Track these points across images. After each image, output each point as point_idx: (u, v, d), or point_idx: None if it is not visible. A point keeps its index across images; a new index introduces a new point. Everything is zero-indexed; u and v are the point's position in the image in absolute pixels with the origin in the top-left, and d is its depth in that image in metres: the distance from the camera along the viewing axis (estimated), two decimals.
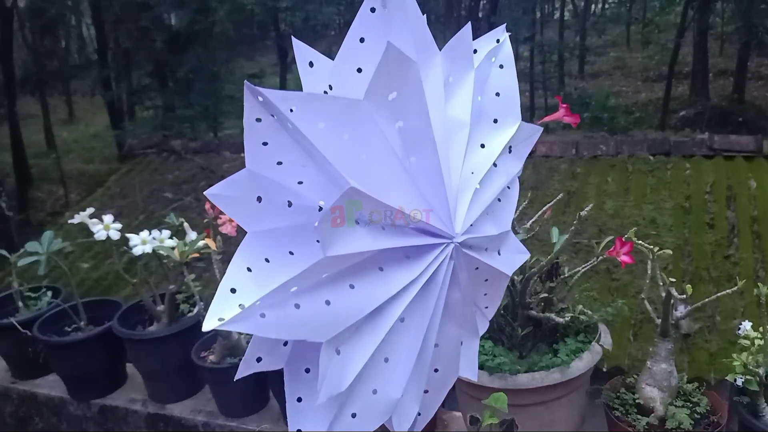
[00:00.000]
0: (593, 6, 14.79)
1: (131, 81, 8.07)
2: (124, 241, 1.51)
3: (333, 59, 0.63)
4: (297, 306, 0.56)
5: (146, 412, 1.64)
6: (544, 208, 1.26)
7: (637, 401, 1.22)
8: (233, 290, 0.56)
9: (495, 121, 0.68)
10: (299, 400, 0.63)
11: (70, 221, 1.57)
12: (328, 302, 0.57)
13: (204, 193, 0.59)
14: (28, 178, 8.19)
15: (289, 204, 0.59)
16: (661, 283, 1.17)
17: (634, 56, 12.39)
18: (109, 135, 9.00)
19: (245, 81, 0.55)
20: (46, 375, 1.82)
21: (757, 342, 1.13)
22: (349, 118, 0.56)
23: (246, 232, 0.60)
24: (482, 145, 0.66)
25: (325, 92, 0.62)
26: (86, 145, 10.51)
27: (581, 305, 1.27)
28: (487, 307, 0.72)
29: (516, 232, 0.72)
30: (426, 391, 0.67)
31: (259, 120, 0.56)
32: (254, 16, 7.56)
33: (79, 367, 1.68)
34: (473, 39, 0.67)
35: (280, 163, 0.58)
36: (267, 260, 0.58)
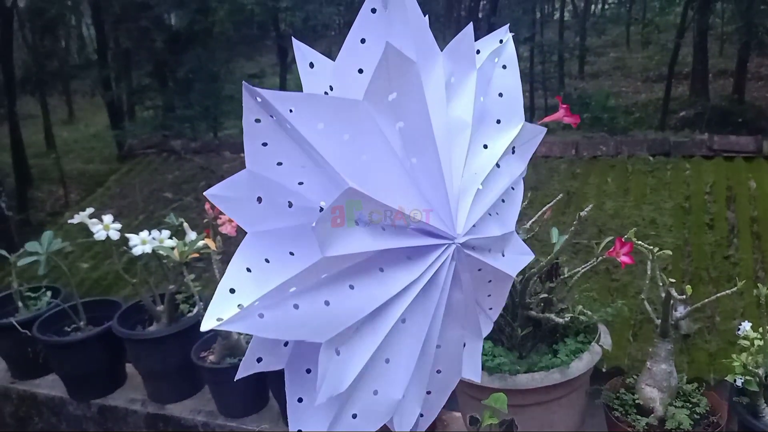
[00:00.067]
0: (593, 6, 14.78)
1: (131, 81, 8.06)
2: (124, 241, 1.51)
3: (333, 60, 0.63)
4: (296, 306, 0.56)
5: (146, 412, 1.64)
6: (544, 209, 1.26)
7: (636, 402, 1.22)
8: (232, 290, 0.56)
9: (498, 121, 0.68)
10: (300, 400, 0.63)
11: (69, 221, 1.57)
12: (327, 303, 0.57)
13: (204, 193, 0.59)
14: (28, 178, 8.19)
15: (290, 205, 0.59)
16: (661, 284, 1.17)
17: (633, 56, 12.39)
18: (109, 135, 8.99)
19: (243, 82, 0.55)
20: (45, 375, 1.82)
21: (756, 342, 1.13)
22: (349, 119, 0.56)
23: (246, 233, 0.60)
24: (485, 146, 0.66)
25: (326, 93, 0.62)
26: (86, 145, 10.50)
27: (581, 306, 1.27)
28: (491, 309, 0.71)
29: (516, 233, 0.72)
30: (428, 392, 0.67)
31: (258, 121, 0.56)
32: (254, 16, 7.56)
33: (79, 367, 1.68)
34: (474, 40, 0.67)
35: (280, 163, 0.58)
36: (267, 261, 0.58)
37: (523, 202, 0.72)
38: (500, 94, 0.68)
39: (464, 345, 0.68)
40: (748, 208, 2.43)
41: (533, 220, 1.25)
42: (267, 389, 1.57)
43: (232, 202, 0.59)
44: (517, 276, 1.21)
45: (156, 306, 1.61)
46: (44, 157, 9.18)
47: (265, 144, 0.57)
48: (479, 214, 0.63)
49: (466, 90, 0.65)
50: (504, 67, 0.69)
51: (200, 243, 1.49)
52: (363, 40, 0.60)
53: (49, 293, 1.84)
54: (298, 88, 0.64)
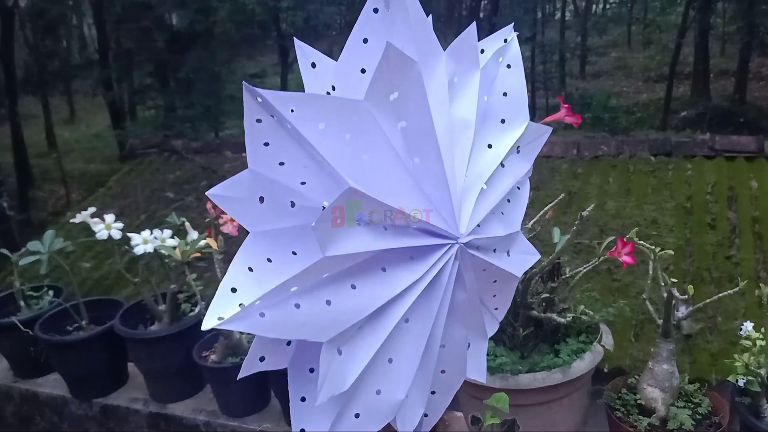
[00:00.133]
0: (594, 6, 14.76)
1: (132, 81, 8.06)
2: (126, 240, 1.51)
3: (334, 59, 0.63)
4: (297, 306, 0.56)
5: (147, 411, 1.65)
6: (546, 209, 1.26)
7: (638, 402, 1.22)
8: (234, 290, 0.56)
9: (502, 121, 0.67)
10: (303, 399, 0.63)
11: (71, 221, 1.57)
12: (328, 302, 0.57)
13: (206, 193, 0.59)
14: (29, 178, 8.19)
15: (292, 204, 0.59)
16: (663, 284, 1.17)
17: (635, 56, 12.38)
18: (110, 135, 9.00)
19: (243, 82, 0.55)
20: (47, 374, 1.82)
21: (758, 343, 1.13)
22: (350, 119, 0.56)
23: (248, 232, 0.60)
24: (489, 146, 0.66)
25: (328, 93, 0.62)
26: (87, 145, 10.51)
27: (583, 305, 1.27)
28: (497, 309, 0.71)
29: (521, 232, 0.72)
30: (433, 393, 0.67)
31: (259, 121, 0.56)
32: (255, 15, 7.55)
33: (81, 367, 1.68)
34: (477, 40, 0.67)
35: (282, 163, 0.58)
36: (269, 260, 0.58)
37: None
38: (505, 94, 0.68)
39: (469, 345, 0.68)
40: (750, 208, 2.42)
41: (535, 220, 1.25)
42: (269, 389, 1.57)
43: (234, 202, 0.59)
44: None
45: (158, 305, 1.61)
46: (46, 156, 9.19)
47: (266, 144, 0.57)
48: (483, 214, 0.62)
49: (469, 89, 0.65)
50: (508, 66, 0.69)
51: (202, 242, 1.50)
52: (365, 40, 0.60)
53: (50, 292, 1.84)
54: (300, 87, 0.63)
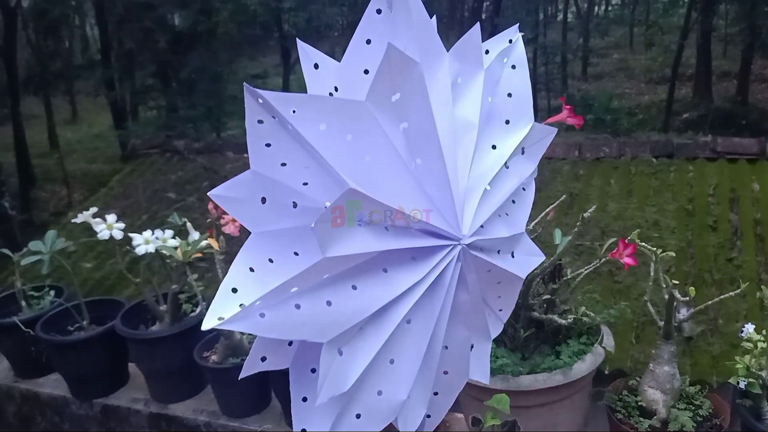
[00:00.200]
0: (596, 8, 14.78)
1: (134, 81, 8.08)
2: (127, 240, 1.51)
3: (337, 60, 0.63)
4: (297, 306, 0.56)
5: (148, 411, 1.65)
6: (547, 210, 1.26)
7: (639, 403, 1.21)
8: (234, 290, 0.56)
9: (507, 122, 0.67)
10: (304, 399, 0.63)
11: (73, 221, 1.57)
12: (329, 303, 0.57)
13: (208, 194, 0.59)
14: (31, 178, 8.21)
15: (294, 205, 0.59)
16: (664, 286, 1.17)
17: (637, 58, 12.38)
18: (112, 135, 9.02)
19: (245, 83, 0.55)
20: (48, 374, 1.82)
21: (760, 345, 1.13)
22: (352, 120, 0.56)
23: (249, 233, 0.60)
24: (493, 146, 0.66)
25: (331, 94, 0.62)
26: (89, 145, 10.52)
27: (584, 307, 1.27)
28: (501, 310, 0.71)
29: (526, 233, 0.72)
30: (435, 393, 0.67)
31: (260, 122, 0.56)
32: (257, 16, 7.56)
33: (82, 367, 1.68)
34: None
35: (284, 164, 0.58)
36: (271, 261, 0.58)
37: None
38: (509, 94, 0.68)
39: (472, 346, 0.68)
40: (752, 211, 2.42)
41: (536, 221, 1.25)
42: (269, 389, 1.57)
43: (235, 202, 0.59)
44: None
45: (159, 306, 1.61)
46: (47, 157, 9.20)
47: (268, 145, 0.57)
48: (487, 215, 0.62)
49: (473, 90, 0.65)
50: (513, 67, 0.68)
51: (203, 243, 1.50)
52: (368, 41, 0.60)
53: (52, 292, 1.84)
54: (301, 88, 0.64)
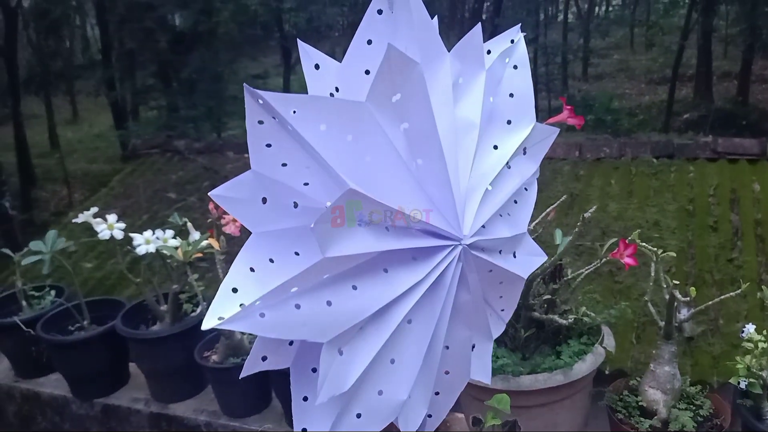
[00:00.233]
0: (597, 8, 14.77)
1: (135, 81, 8.08)
2: (128, 240, 1.51)
3: (337, 61, 0.63)
4: (297, 306, 0.56)
5: (149, 411, 1.65)
6: (548, 210, 1.26)
7: (640, 404, 1.21)
8: (234, 290, 0.56)
9: (509, 122, 0.67)
10: (305, 399, 0.63)
11: (74, 221, 1.57)
12: (329, 303, 0.57)
13: (209, 194, 0.60)
14: (31, 177, 8.21)
15: (295, 205, 0.59)
16: (665, 286, 1.17)
17: (637, 58, 12.38)
18: (112, 135, 9.02)
19: (245, 84, 0.55)
20: (49, 374, 1.82)
21: (760, 345, 1.13)
22: (352, 120, 0.56)
23: (250, 233, 0.60)
24: (495, 147, 0.66)
25: (332, 94, 0.62)
26: (90, 145, 10.53)
27: (584, 307, 1.27)
28: (503, 310, 0.71)
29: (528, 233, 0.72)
30: (437, 393, 0.67)
31: (261, 122, 0.56)
32: (258, 17, 7.57)
33: (82, 367, 1.68)
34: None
35: (284, 164, 0.58)
36: (271, 260, 0.58)
37: None
38: (511, 95, 0.68)
39: (473, 346, 0.68)
40: (752, 211, 2.42)
41: (537, 221, 1.25)
42: (270, 389, 1.57)
43: (236, 202, 0.59)
44: None
45: (159, 305, 1.61)
46: (48, 157, 9.21)
47: (269, 145, 0.57)
48: (488, 215, 0.62)
49: (474, 90, 0.65)
50: (515, 67, 0.68)
51: (204, 243, 1.50)
52: (369, 42, 0.60)
53: (52, 292, 1.84)
54: (302, 88, 0.64)
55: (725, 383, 1.57)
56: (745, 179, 2.60)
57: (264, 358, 0.63)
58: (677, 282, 1.16)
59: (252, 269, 0.57)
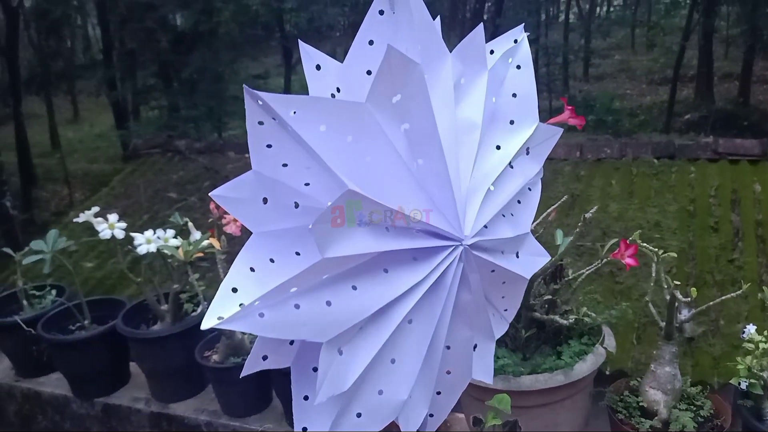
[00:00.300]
0: (598, 9, 14.77)
1: (136, 81, 8.09)
2: (129, 240, 1.52)
3: (338, 60, 0.63)
4: (297, 306, 0.56)
5: (149, 411, 1.65)
6: (549, 210, 1.26)
7: (640, 404, 1.21)
8: (234, 290, 0.56)
9: (511, 122, 0.67)
10: (306, 398, 0.64)
11: (75, 220, 1.57)
12: (328, 303, 0.57)
13: (210, 194, 0.60)
14: (32, 177, 8.21)
15: (296, 205, 0.59)
16: (666, 287, 1.17)
17: (638, 59, 12.37)
18: (113, 135, 9.02)
19: (244, 85, 0.55)
20: (49, 373, 1.82)
21: (761, 346, 1.13)
22: (352, 121, 0.56)
23: (251, 233, 0.60)
24: (497, 147, 0.66)
25: (333, 95, 0.62)
26: (91, 145, 10.53)
27: (585, 308, 1.27)
28: (506, 310, 0.71)
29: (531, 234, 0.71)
30: (438, 393, 0.67)
31: (261, 123, 0.56)
32: (259, 17, 7.57)
33: (83, 366, 1.68)
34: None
35: (285, 165, 0.58)
36: (272, 260, 0.58)
37: None
38: (514, 95, 0.68)
39: (475, 346, 0.68)
40: (753, 212, 2.42)
41: (537, 221, 1.25)
42: (270, 389, 1.57)
43: (237, 202, 0.59)
44: None
45: (160, 305, 1.61)
46: (49, 156, 9.21)
47: (269, 146, 0.57)
48: (490, 216, 0.62)
49: (476, 91, 0.65)
50: (518, 67, 0.68)
51: (205, 242, 1.50)
52: (371, 42, 0.60)
53: (53, 292, 1.84)
54: (303, 88, 0.64)
55: (726, 384, 1.57)
56: (746, 180, 2.60)
57: (265, 358, 0.63)
58: (678, 282, 1.16)
59: (252, 269, 0.57)
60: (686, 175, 2.71)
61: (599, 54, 12.30)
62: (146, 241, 1.49)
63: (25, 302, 1.77)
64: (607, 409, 1.23)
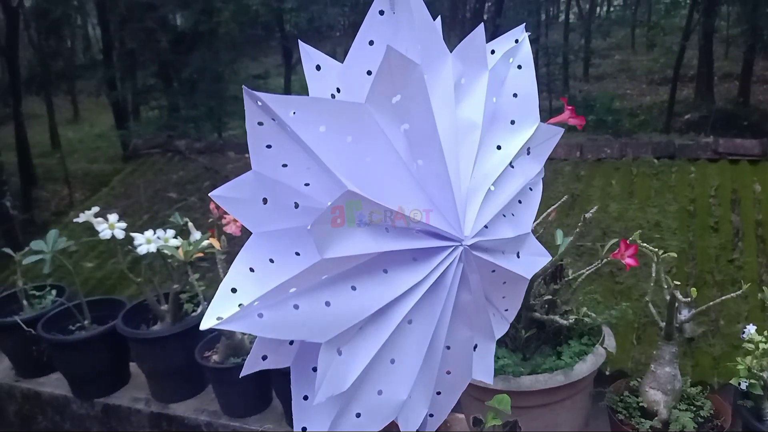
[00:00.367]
0: (598, 8, 14.78)
1: (136, 81, 8.09)
2: (129, 240, 1.52)
3: (338, 61, 0.63)
4: (296, 306, 0.56)
5: (149, 411, 1.65)
6: (549, 210, 1.26)
7: (640, 404, 1.21)
8: (234, 290, 0.56)
9: (512, 122, 0.67)
10: (305, 398, 0.64)
11: (75, 220, 1.57)
12: (328, 303, 0.57)
13: (210, 194, 0.60)
14: (32, 177, 8.22)
15: (296, 205, 0.59)
16: (666, 287, 1.17)
17: (639, 59, 12.38)
18: (113, 135, 9.03)
19: (243, 86, 0.55)
20: (49, 373, 1.82)
21: (761, 346, 1.13)
22: (351, 121, 0.56)
23: (251, 233, 0.60)
24: (498, 147, 0.66)
25: (333, 95, 0.62)
26: (91, 145, 10.54)
27: (585, 308, 1.27)
28: (507, 310, 0.71)
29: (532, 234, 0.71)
30: (438, 393, 0.67)
31: (260, 124, 0.56)
32: (259, 17, 7.57)
33: (83, 366, 1.68)
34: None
35: (285, 165, 0.58)
36: (272, 261, 0.58)
37: None
38: (515, 95, 0.68)
39: (476, 346, 0.68)
40: (753, 212, 2.42)
41: (537, 221, 1.25)
42: (270, 389, 1.57)
43: (237, 203, 0.59)
44: None
45: (160, 305, 1.61)
46: (49, 156, 9.22)
47: (269, 146, 0.57)
48: (490, 216, 0.62)
49: (476, 91, 0.65)
50: (519, 67, 0.68)
51: (205, 243, 1.50)
52: (371, 42, 0.60)
53: (53, 292, 1.84)
54: (303, 88, 0.64)
55: (726, 384, 1.57)
56: (746, 180, 2.60)
57: (264, 358, 0.63)
58: (678, 283, 1.16)
59: (252, 269, 0.57)
60: (686, 175, 2.72)
61: (599, 54, 12.30)
62: (146, 241, 1.49)
63: (25, 302, 1.77)
64: (607, 409, 1.23)
